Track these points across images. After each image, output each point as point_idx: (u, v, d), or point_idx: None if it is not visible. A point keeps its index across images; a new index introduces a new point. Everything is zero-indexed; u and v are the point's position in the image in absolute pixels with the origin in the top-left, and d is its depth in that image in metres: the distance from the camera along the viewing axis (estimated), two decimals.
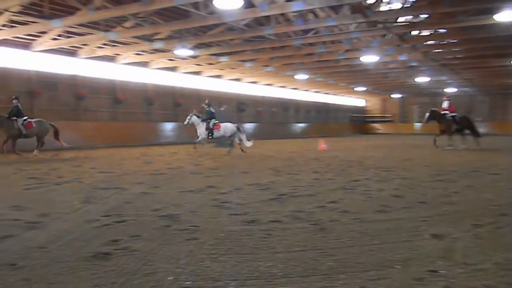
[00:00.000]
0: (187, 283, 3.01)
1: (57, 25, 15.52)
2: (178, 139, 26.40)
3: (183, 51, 20.00)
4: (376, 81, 36.49)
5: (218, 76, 31.80)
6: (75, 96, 22.16)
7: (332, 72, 30.65)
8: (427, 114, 18.07)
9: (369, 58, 22.79)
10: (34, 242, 4.01)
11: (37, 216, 5.11)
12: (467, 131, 18.11)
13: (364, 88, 40.89)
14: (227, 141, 16.34)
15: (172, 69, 27.54)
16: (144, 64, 25.56)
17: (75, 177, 8.82)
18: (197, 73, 29.59)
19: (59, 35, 18.74)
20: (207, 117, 15.90)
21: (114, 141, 22.00)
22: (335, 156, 14.75)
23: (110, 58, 23.64)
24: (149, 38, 19.35)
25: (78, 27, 16.96)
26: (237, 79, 33.90)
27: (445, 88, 39.03)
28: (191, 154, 15.77)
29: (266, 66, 27.17)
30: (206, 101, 16.41)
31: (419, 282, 2.98)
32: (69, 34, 18.57)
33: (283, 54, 22.80)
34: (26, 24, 16.60)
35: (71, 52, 21.65)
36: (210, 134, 15.68)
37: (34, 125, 14.14)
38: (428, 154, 15.20)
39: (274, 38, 19.81)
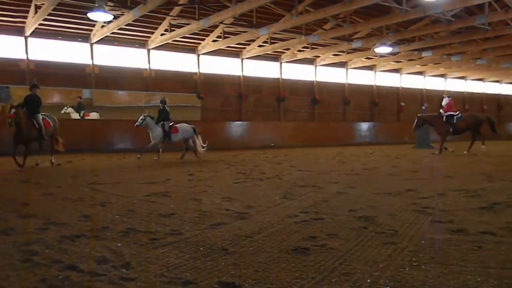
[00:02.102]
0: None
1: (264, 33, 16.87)
2: (374, 139, 25.86)
3: (382, 49, 19.48)
4: None
5: (419, 73, 29.99)
6: (276, 98, 23.76)
7: None
8: (415, 122, 15.57)
9: None
10: (242, 231, 4.41)
11: (244, 207, 5.61)
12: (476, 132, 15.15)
13: None
14: (190, 145, 13.82)
15: (370, 67, 27.11)
16: (342, 64, 25.82)
17: (275, 174, 9.41)
18: (396, 70, 28.48)
19: (264, 42, 20.36)
20: (163, 117, 13.42)
21: (310, 140, 22.80)
22: None
23: (310, 61, 24.59)
24: (348, 38, 19.45)
25: (281, 33, 18.12)
26: (442, 75, 31.37)
27: None
28: (387, 155, 15.23)
29: (477, 59, 24.43)
30: (161, 99, 13.91)
31: None
32: (273, 40, 20.01)
33: (498, 44, 20.18)
34: (237, 34, 18.51)
35: (274, 57, 23.30)
36: (167, 139, 13.36)
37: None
38: None
39: (487, 28, 17.67)
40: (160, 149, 13.65)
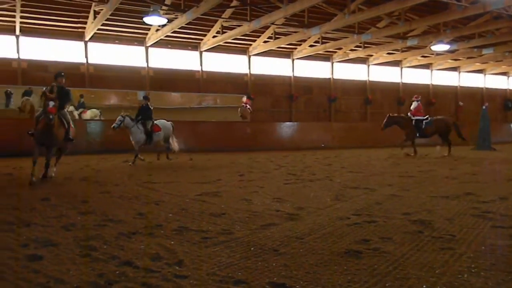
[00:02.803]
0: None
1: (315, 33, 16.74)
2: (430, 140, 24.94)
3: (439, 46, 18.77)
4: None
5: (479, 71, 28.64)
6: (327, 98, 23.50)
7: None
8: (384, 120, 14.93)
9: None
10: (293, 232, 4.39)
11: (295, 208, 5.58)
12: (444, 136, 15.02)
13: None
14: (166, 145, 12.48)
15: (426, 66, 26.21)
16: (395, 63, 25.14)
17: (326, 175, 9.31)
18: (454, 68, 27.36)
19: (316, 42, 20.19)
20: (145, 116, 11.81)
21: (362, 142, 22.34)
22: None
23: (362, 60, 24.13)
24: (403, 36, 18.91)
25: (333, 32, 17.90)
26: (504, 73, 29.79)
27: None
28: (444, 156, 14.64)
29: None
30: (144, 94, 12.58)
31: None
32: (324, 40, 19.81)
33: None
34: (288, 34, 18.48)
35: (325, 57, 23.06)
36: (149, 140, 11.81)
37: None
38: None
39: None
40: (138, 154, 11.89)
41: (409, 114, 15.00)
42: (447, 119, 15.49)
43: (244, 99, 20.31)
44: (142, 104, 12.15)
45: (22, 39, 16.63)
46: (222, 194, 6.70)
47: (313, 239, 4.09)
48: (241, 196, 6.54)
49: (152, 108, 12.08)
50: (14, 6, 14.40)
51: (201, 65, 20.05)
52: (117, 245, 3.93)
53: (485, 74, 29.31)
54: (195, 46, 19.80)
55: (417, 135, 14.78)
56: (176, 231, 4.44)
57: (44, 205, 5.85)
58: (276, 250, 3.75)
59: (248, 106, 20.21)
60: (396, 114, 15.38)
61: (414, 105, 15.13)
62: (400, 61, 25.11)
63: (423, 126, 14.69)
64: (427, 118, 14.80)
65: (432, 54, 23.12)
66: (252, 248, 3.81)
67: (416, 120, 14.73)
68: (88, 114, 17.51)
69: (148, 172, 9.87)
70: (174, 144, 12.55)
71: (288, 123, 21.24)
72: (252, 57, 21.21)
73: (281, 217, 5.06)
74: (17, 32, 16.31)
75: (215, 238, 4.16)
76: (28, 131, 8.41)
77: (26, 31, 16.57)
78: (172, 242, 4.02)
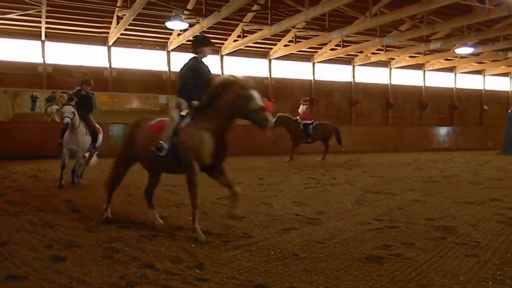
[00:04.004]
0: None
1: (336, 36, 16.65)
2: (454, 144, 24.54)
3: (463, 49, 18.44)
4: None
5: (505, 74, 28.02)
6: (348, 101, 23.32)
7: None
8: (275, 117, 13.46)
9: None
10: (313, 236, 4.36)
11: (315, 213, 5.55)
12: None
13: None
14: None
15: (449, 69, 25.78)
16: (418, 66, 24.81)
17: (347, 180, 9.23)
18: (478, 72, 26.83)
19: (337, 45, 20.08)
20: (87, 108, 8.40)
21: (384, 146, 22.09)
22: None
23: (384, 63, 23.89)
24: (425, 39, 18.65)
25: (354, 35, 17.77)
26: None
27: None
28: (468, 161, 14.36)
29: None
30: (83, 79, 8.84)
31: None
32: (345, 43, 19.69)
33: None
34: (309, 38, 18.43)
35: (346, 60, 22.91)
36: (93, 144, 8.40)
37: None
38: None
39: None
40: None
41: (298, 118, 14.35)
42: (330, 124, 15.14)
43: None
44: (80, 91, 8.35)
45: (48, 44, 17.01)
46: (242, 197, 6.69)
47: (333, 244, 4.06)
48: (261, 199, 6.54)
49: (94, 97, 8.97)
50: (40, 12, 14.75)
51: (222, 69, 20.15)
52: (138, 247, 3.97)
53: (510, 78, 28.66)
54: (216, 50, 19.91)
55: (307, 140, 14.35)
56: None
57: (68, 207, 5.96)
58: (296, 255, 3.73)
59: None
60: (286, 115, 14.38)
61: (302, 108, 14.55)
62: (423, 64, 24.75)
63: (310, 131, 14.25)
64: (312, 123, 14.38)
65: (456, 57, 22.72)
66: (272, 252, 3.81)
67: (304, 124, 14.23)
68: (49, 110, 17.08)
69: (168, 175, 9.94)
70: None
71: None
72: (272, 61, 21.22)
73: (301, 221, 5.04)
74: (43, 37, 16.69)
75: (235, 241, 4.17)
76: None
77: (51, 37, 16.95)
78: (193, 245, 4.04)
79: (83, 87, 8.37)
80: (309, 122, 14.37)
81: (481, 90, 27.46)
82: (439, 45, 18.63)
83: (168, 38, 18.54)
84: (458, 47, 18.33)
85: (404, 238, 4.29)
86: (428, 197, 6.87)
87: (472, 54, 21.10)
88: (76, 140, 7.95)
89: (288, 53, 20.11)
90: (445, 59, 23.56)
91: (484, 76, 27.54)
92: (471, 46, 18.32)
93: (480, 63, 24.43)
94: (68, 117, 7.68)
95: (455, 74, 26.40)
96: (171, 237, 4.35)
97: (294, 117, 14.41)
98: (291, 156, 14.31)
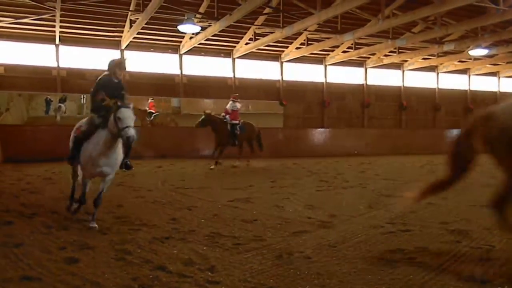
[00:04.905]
0: None
1: (348, 38, 16.56)
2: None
3: (478, 51, 18.23)
4: None
5: None
6: (361, 104, 23.19)
7: None
8: (202, 116, 12.63)
9: None
10: (325, 239, 4.34)
11: (327, 216, 5.52)
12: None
13: None
14: None
15: (463, 71, 25.50)
16: (431, 68, 24.59)
17: (359, 182, 9.16)
18: (493, 73, 26.51)
19: (349, 48, 20.00)
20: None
21: (397, 148, 21.89)
22: None
23: (397, 65, 23.72)
24: (439, 41, 18.49)
25: (367, 38, 17.68)
26: None
27: None
28: (482, 164, 14.13)
29: None
30: (113, 61, 6.09)
31: None
32: (358, 45, 19.60)
33: None
34: (321, 40, 18.39)
35: (359, 63, 22.79)
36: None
37: None
38: None
39: None
40: None
41: (227, 117, 12.62)
42: (254, 124, 13.40)
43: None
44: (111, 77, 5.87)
45: (62, 48, 17.20)
46: (254, 200, 6.70)
47: (346, 247, 4.03)
48: (273, 202, 6.52)
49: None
50: (54, 16, 14.93)
51: (233, 71, 20.18)
52: (150, 249, 3.98)
53: None
54: (227, 53, 19.95)
55: (234, 142, 12.61)
56: (208, 236, 4.47)
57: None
58: (308, 258, 3.71)
59: None
60: (213, 113, 12.88)
61: (232, 105, 12.81)
62: (436, 66, 24.52)
63: (238, 132, 12.62)
64: (239, 123, 12.75)
65: (470, 59, 22.46)
66: (284, 255, 3.79)
67: (232, 125, 12.54)
68: None
69: (181, 178, 9.99)
70: None
71: (320, 129, 21.03)
72: (284, 64, 21.19)
73: (313, 225, 5.02)
74: (57, 41, 16.88)
75: (246, 244, 4.16)
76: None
77: (65, 41, 17.13)
78: (205, 248, 4.04)
79: (115, 71, 5.82)
80: (237, 122, 12.74)
81: (496, 92, 27.11)
82: (453, 47, 18.42)
83: (180, 42, 18.63)
84: (472, 49, 18.12)
85: (417, 241, 4.25)
86: (442, 200, 6.77)
87: (487, 56, 20.84)
88: (111, 158, 5.13)
89: (300, 55, 20.06)
90: (459, 61, 23.30)
91: (499, 77, 27.20)
92: (485, 47, 18.09)
93: (494, 64, 24.12)
94: (130, 126, 4.80)
95: (469, 76, 26.10)
96: (183, 239, 4.36)
97: (221, 115, 12.82)
98: (216, 161, 12.36)
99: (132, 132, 4.77)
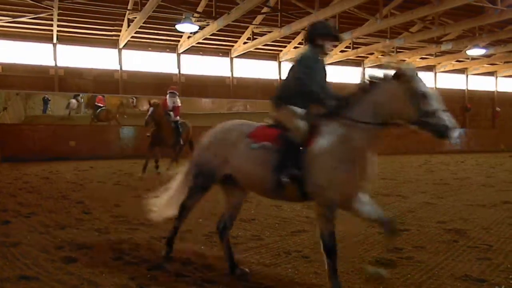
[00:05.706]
0: None
1: (346, 38, 16.58)
2: (466, 147, 24.30)
3: (475, 51, 18.27)
4: None
5: None
6: None
7: None
8: (150, 110, 10.25)
9: None
10: None
11: None
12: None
13: None
14: None
15: (461, 71, 25.56)
16: (429, 68, 24.64)
17: None
18: (490, 73, 26.57)
19: (347, 47, 20.01)
20: None
21: (395, 148, 21.90)
22: None
23: None
24: (436, 41, 18.52)
25: (365, 37, 17.70)
26: None
27: None
28: (480, 164, 14.20)
29: None
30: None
31: None
32: (355, 45, 19.62)
33: None
34: None
35: (357, 62, 22.82)
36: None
37: None
38: None
39: None
40: None
41: (171, 113, 10.85)
42: (188, 123, 11.47)
43: None
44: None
45: (59, 47, 17.17)
46: (252, 200, 6.70)
47: (344, 247, 4.02)
48: (271, 202, 6.51)
49: None
50: (52, 15, 14.90)
51: (231, 71, 20.18)
52: (148, 249, 3.98)
53: None
54: (225, 53, 19.95)
55: (178, 142, 10.85)
56: (206, 236, 4.47)
57: (79, 208, 5.99)
58: (306, 257, 3.72)
59: None
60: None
61: (175, 99, 11.05)
62: (434, 66, 24.58)
63: (181, 131, 10.89)
64: (178, 120, 11.04)
65: (468, 59, 22.52)
66: (282, 255, 3.79)
67: (176, 123, 10.87)
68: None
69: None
70: None
71: None
72: (282, 63, 21.21)
73: (311, 224, 5.01)
74: (54, 40, 16.86)
75: (244, 243, 4.16)
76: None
77: (63, 40, 17.10)
78: (202, 247, 4.04)
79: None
80: (177, 119, 11.00)
81: (493, 91, 27.17)
82: (451, 47, 18.47)
83: (178, 41, 18.62)
84: (469, 49, 18.17)
85: (415, 241, 4.26)
86: (439, 199, 6.80)
87: (484, 56, 20.89)
88: None
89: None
90: (457, 61, 23.36)
91: (497, 77, 27.26)
92: (483, 47, 18.14)
93: (492, 64, 24.19)
94: None
95: (467, 75, 26.17)
96: (181, 238, 4.36)
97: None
98: (143, 168, 10.17)
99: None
